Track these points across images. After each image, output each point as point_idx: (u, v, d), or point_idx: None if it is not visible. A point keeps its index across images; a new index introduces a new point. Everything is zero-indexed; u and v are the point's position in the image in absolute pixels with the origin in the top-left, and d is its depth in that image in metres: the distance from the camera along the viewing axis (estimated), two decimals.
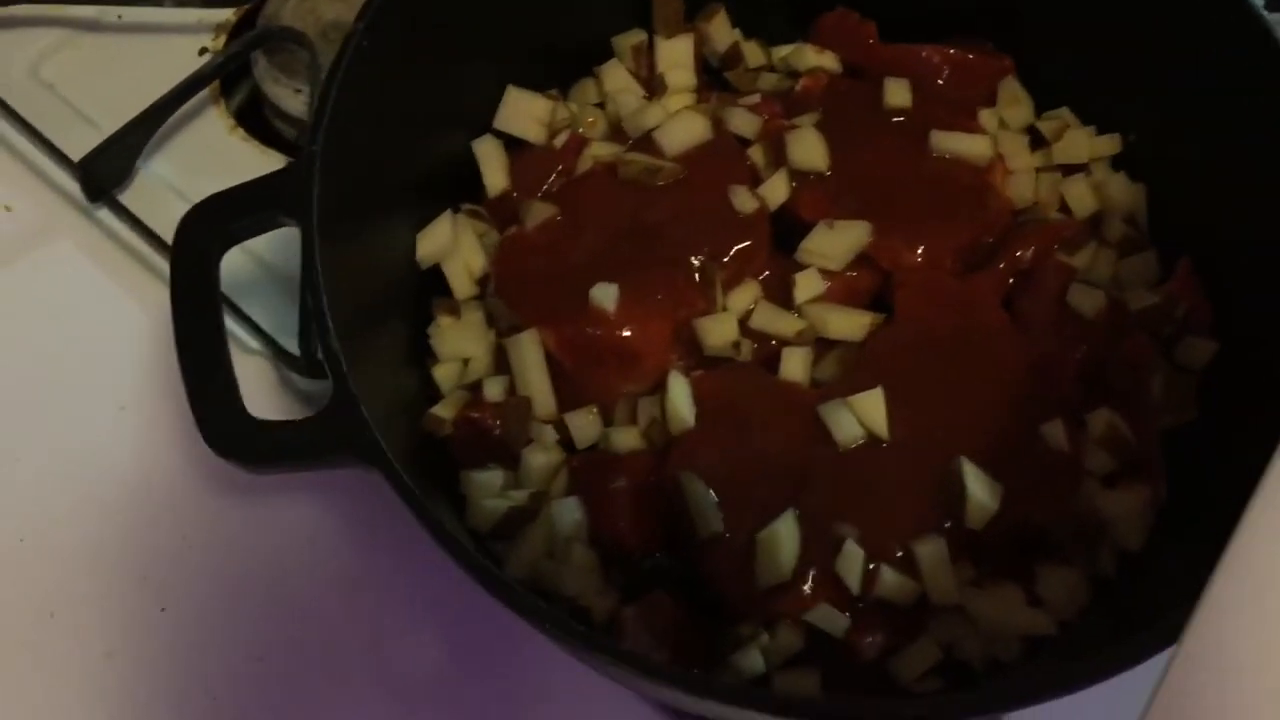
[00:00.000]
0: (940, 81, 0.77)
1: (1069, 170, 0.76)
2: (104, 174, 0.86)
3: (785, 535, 0.62)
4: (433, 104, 0.73)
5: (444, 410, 0.69)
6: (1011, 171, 0.75)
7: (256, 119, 0.95)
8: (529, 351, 0.69)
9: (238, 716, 0.72)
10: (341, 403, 0.54)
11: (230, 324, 0.81)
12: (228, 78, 0.95)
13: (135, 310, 0.83)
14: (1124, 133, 0.75)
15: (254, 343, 0.82)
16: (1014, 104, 0.77)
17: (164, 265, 0.84)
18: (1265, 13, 0.67)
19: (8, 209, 0.88)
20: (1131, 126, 0.75)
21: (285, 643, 0.74)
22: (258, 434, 0.54)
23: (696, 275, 0.69)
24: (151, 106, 0.88)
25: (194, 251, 0.57)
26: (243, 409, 0.55)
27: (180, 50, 0.96)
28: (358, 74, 0.62)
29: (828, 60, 0.79)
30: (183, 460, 0.77)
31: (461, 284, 0.73)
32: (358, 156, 0.64)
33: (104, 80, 0.94)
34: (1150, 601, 0.60)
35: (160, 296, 0.78)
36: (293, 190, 0.57)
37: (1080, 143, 0.75)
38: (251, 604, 0.75)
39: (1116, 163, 0.76)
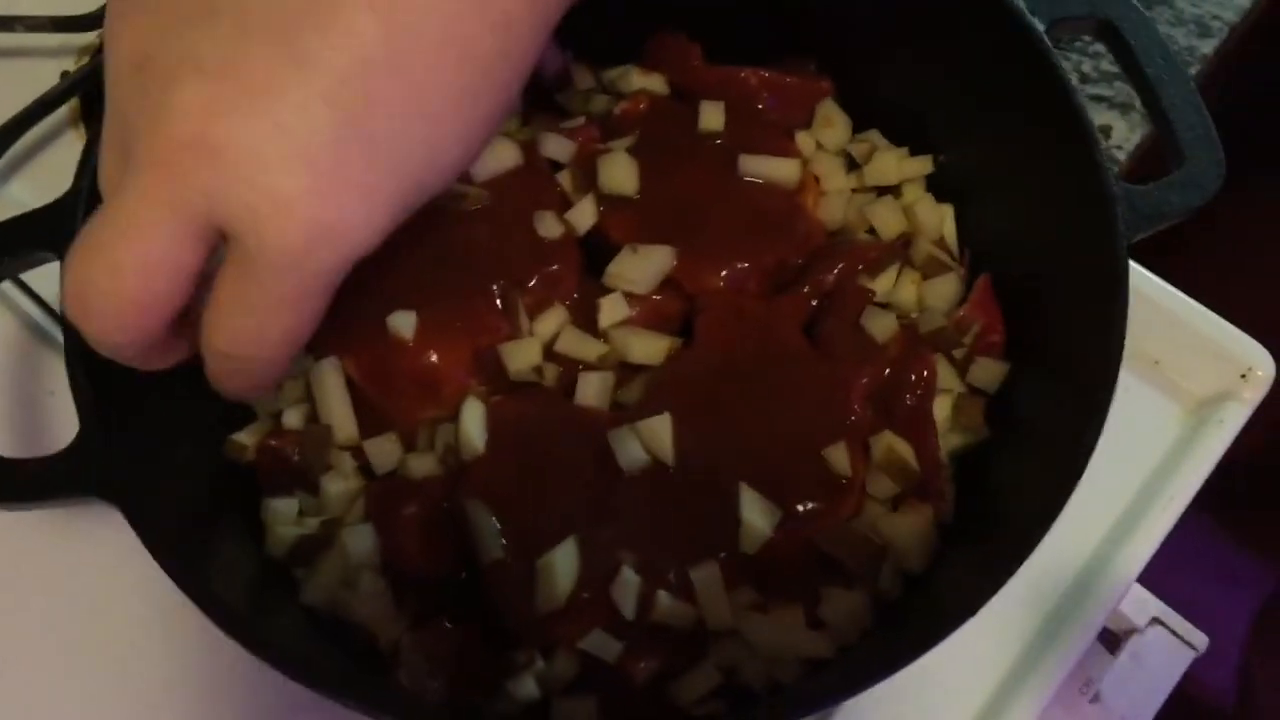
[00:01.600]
0: (760, 105, 0.78)
1: (883, 192, 0.76)
2: None
3: (562, 562, 0.62)
4: None
5: (246, 437, 0.70)
6: (825, 192, 0.76)
7: None
8: (329, 379, 0.70)
9: None
10: (85, 439, 0.54)
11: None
12: (90, 100, 0.95)
13: None
14: (937, 154, 0.76)
15: None
16: (829, 126, 0.77)
17: (12, 292, 0.86)
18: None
19: None
20: (942, 148, 0.75)
21: (108, 678, 0.74)
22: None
23: (499, 300, 0.70)
24: (2, 127, 0.89)
25: None
26: None
27: (42, 75, 0.96)
28: None
29: (654, 82, 0.80)
30: None
31: None
32: None
33: None
34: (928, 619, 0.61)
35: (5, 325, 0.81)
36: (55, 225, 0.58)
37: (889, 164, 0.76)
38: (67, 637, 0.75)
39: (928, 184, 0.76)
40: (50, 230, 0.58)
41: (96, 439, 0.54)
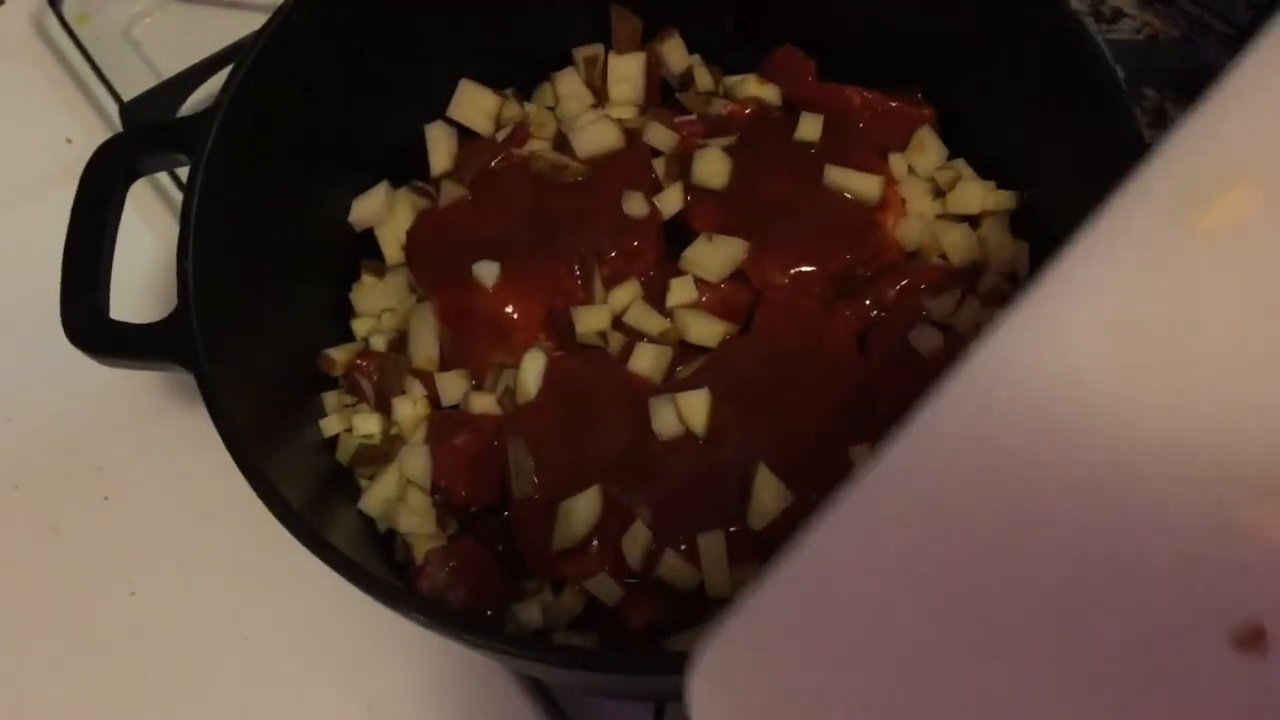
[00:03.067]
0: (861, 123, 0.81)
1: (965, 220, 0.79)
2: (148, 116, 0.98)
3: (584, 506, 0.67)
4: (391, 85, 0.82)
5: (338, 354, 0.78)
6: (908, 214, 0.78)
7: None
8: (426, 316, 0.77)
9: (151, 613, 0.82)
10: (178, 315, 0.62)
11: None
12: None
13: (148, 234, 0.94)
14: (1021, 189, 0.78)
15: None
16: (923, 152, 0.80)
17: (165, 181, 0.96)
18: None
19: (69, 140, 1.02)
20: (1028, 185, 0.77)
21: (225, 531, 0.83)
22: (107, 331, 0.64)
23: (577, 267, 0.76)
24: (197, 64, 1.00)
25: (98, 180, 0.67)
26: (103, 310, 0.64)
27: (251, 21, 1.08)
28: (291, 38, 0.72)
29: (769, 92, 0.84)
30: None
31: (392, 249, 0.82)
32: (287, 117, 0.74)
33: (181, 42, 1.07)
34: None
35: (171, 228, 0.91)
36: (193, 132, 0.67)
37: (972, 194, 0.78)
38: (189, 501, 0.85)
39: (1012, 222, 0.78)
40: (189, 135, 0.67)
41: (188, 314, 0.62)
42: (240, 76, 0.69)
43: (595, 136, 0.79)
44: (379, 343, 0.78)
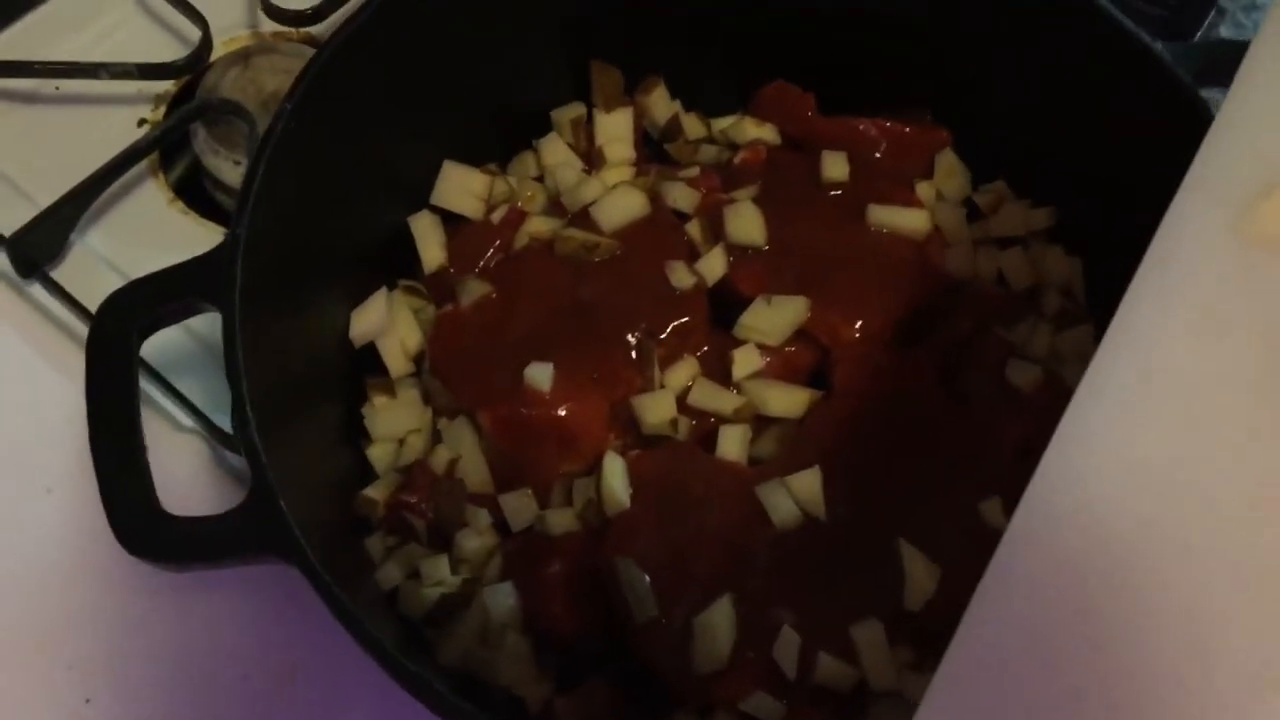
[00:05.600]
0: (878, 154, 0.77)
1: (1006, 243, 0.76)
2: (36, 249, 0.85)
3: (721, 620, 0.61)
4: (368, 180, 0.72)
5: (376, 492, 0.68)
6: (949, 244, 0.75)
7: (197, 191, 0.93)
8: (465, 433, 0.68)
9: None
10: (259, 498, 0.52)
11: (163, 401, 0.80)
12: (168, 149, 0.94)
13: (66, 389, 0.81)
14: (1059, 205, 0.76)
15: (187, 420, 0.80)
16: (951, 176, 0.77)
17: None
18: (1194, 85, 0.67)
19: None
20: (1067, 199, 0.75)
21: None
22: (170, 530, 0.53)
23: (633, 353, 0.69)
24: (85, 181, 0.87)
25: (112, 340, 0.56)
26: (155, 503, 0.53)
27: (119, 122, 0.94)
28: (285, 155, 0.62)
29: (767, 132, 0.80)
30: (112, 545, 0.74)
31: (397, 362, 0.72)
32: (287, 237, 0.63)
33: (41, 153, 0.92)
34: None
35: None
36: (214, 276, 0.56)
37: (1016, 215, 0.75)
38: (182, 696, 0.73)
39: (1053, 235, 0.76)
40: (210, 279, 0.56)
41: (271, 497, 0.52)
42: (252, 202, 0.58)
43: (621, 206, 0.72)
44: (441, 457, 0.68)
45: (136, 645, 0.74)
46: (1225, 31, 1.02)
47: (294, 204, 0.64)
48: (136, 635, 0.74)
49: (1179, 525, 0.43)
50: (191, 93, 0.95)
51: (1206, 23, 1.01)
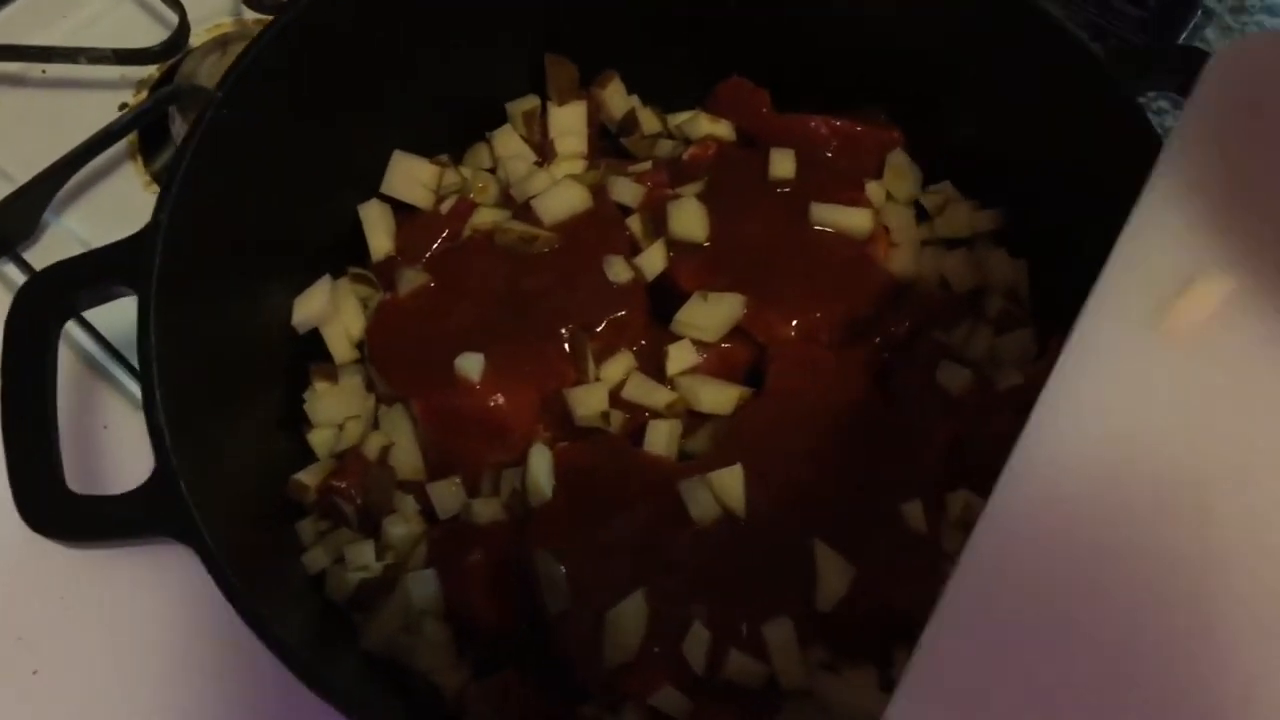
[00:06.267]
0: (829, 153, 0.77)
1: (953, 244, 0.75)
2: (8, 228, 0.87)
3: (632, 615, 0.61)
4: (315, 167, 0.73)
5: (309, 477, 0.69)
6: (895, 244, 0.75)
7: None
8: (400, 421, 0.69)
9: None
10: (161, 480, 0.53)
11: (123, 379, 0.82)
12: (152, 139, 0.95)
13: None
14: (1007, 207, 0.75)
15: None
16: (901, 177, 0.77)
17: (71, 328, 0.85)
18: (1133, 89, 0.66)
19: None
20: (1015, 201, 0.75)
21: (166, 708, 0.73)
22: (72, 508, 0.54)
23: (567, 345, 0.69)
24: (59, 160, 0.88)
25: (30, 322, 0.57)
26: (61, 482, 0.54)
27: (101, 106, 0.96)
28: (217, 143, 0.63)
29: (722, 128, 0.79)
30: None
31: (341, 348, 0.73)
32: (220, 224, 0.64)
33: (23, 135, 0.94)
34: None
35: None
36: (133, 260, 0.57)
37: (962, 216, 0.75)
38: (130, 666, 0.75)
39: (999, 237, 0.75)
40: (128, 264, 0.57)
41: (170, 478, 0.53)
42: (176, 190, 0.59)
43: (562, 200, 0.73)
44: (374, 444, 0.69)
45: (85, 616, 0.76)
46: (1212, 34, 1.00)
47: (228, 191, 0.64)
48: (85, 607, 0.76)
49: None
50: (173, 80, 0.96)
51: (1192, 24, 0.99)
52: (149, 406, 0.54)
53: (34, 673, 0.74)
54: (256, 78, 0.65)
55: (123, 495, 0.54)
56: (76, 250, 0.86)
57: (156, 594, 0.76)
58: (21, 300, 0.57)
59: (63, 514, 0.54)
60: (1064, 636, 0.44)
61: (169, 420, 0.54)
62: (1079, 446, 0.47)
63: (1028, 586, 0.46)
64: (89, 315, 0.82)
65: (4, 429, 0.54)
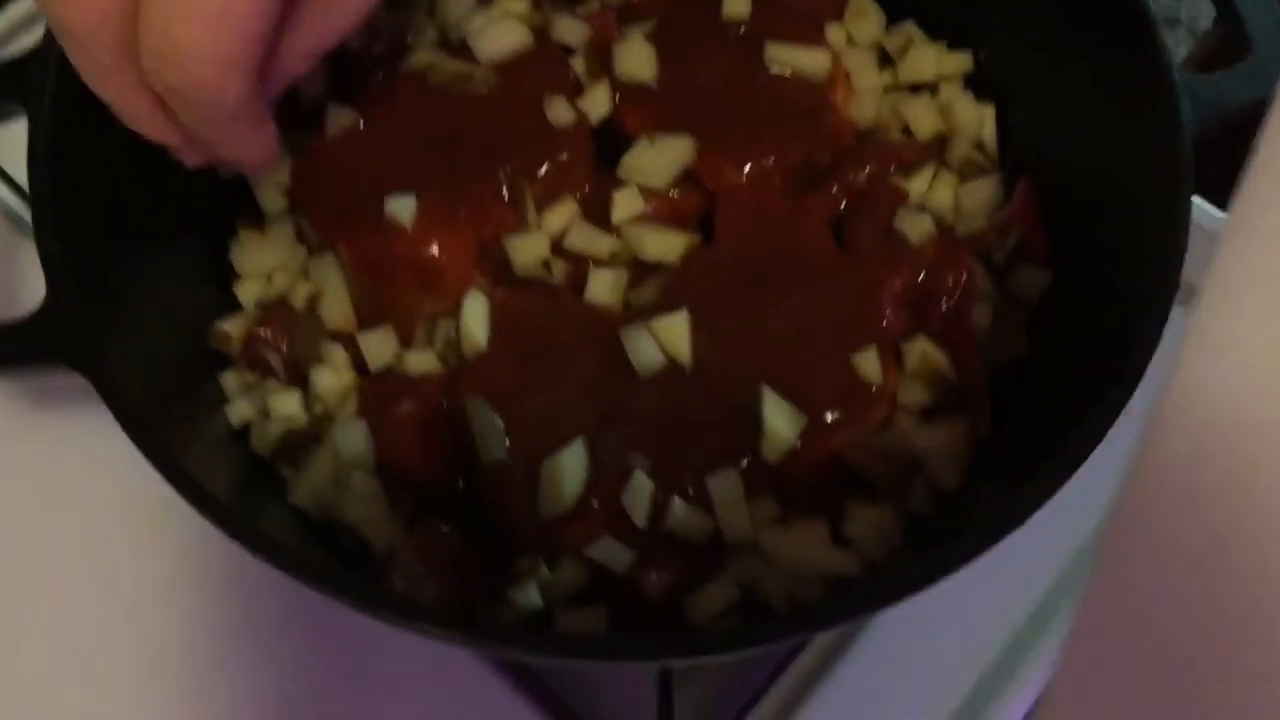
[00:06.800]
0: None
1: (918, 90, 0.72)
2: None
3: (570, 464, 0.58)
4: None
5: (232, 326, 0.65)
6: (856, 90, 0.71)
7: None
8: (329, 269, 0.65)
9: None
10: (53, 306, 0.49)
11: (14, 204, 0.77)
12: None
13: None
14: (976, 49, 0.71)
15: None
16: (862, 17, 0.72)
17: None
18: None
19: None
20: (983, 43, 0.71)
21: (66, 568, 0.70)
22: None
23: (505, 189, 0.65)
24: None
25: None
26: None
27: None
28: None
29: None
30: None
31: (269, 196, 0.69)
32: None
33: None
34: (961, 538, 0.57)
35: None
36: (26, 77, 0.53)
37: (927, 60, 0.71)
38: (30, 525, 0.71)
39: (966, 82, 0.71)
40: (20, 82, 0.53)
41: (65, 303, 0.49)
42: None
43: (499, 37, 0.68)
44: (301, 294, 0.65)
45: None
46: None
47: None
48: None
49: None
50: None
51: None
52: (41, 232, 0.50)
53: None
54: None
55: (13, 320, 0.50)
56: None
57: (59, 446, 0.72)
58: None
59: None
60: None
61: (63, 248, 0.50)
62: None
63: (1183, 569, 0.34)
64: (7, 166, 0.77)
65: None
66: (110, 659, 0.67)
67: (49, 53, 0.53)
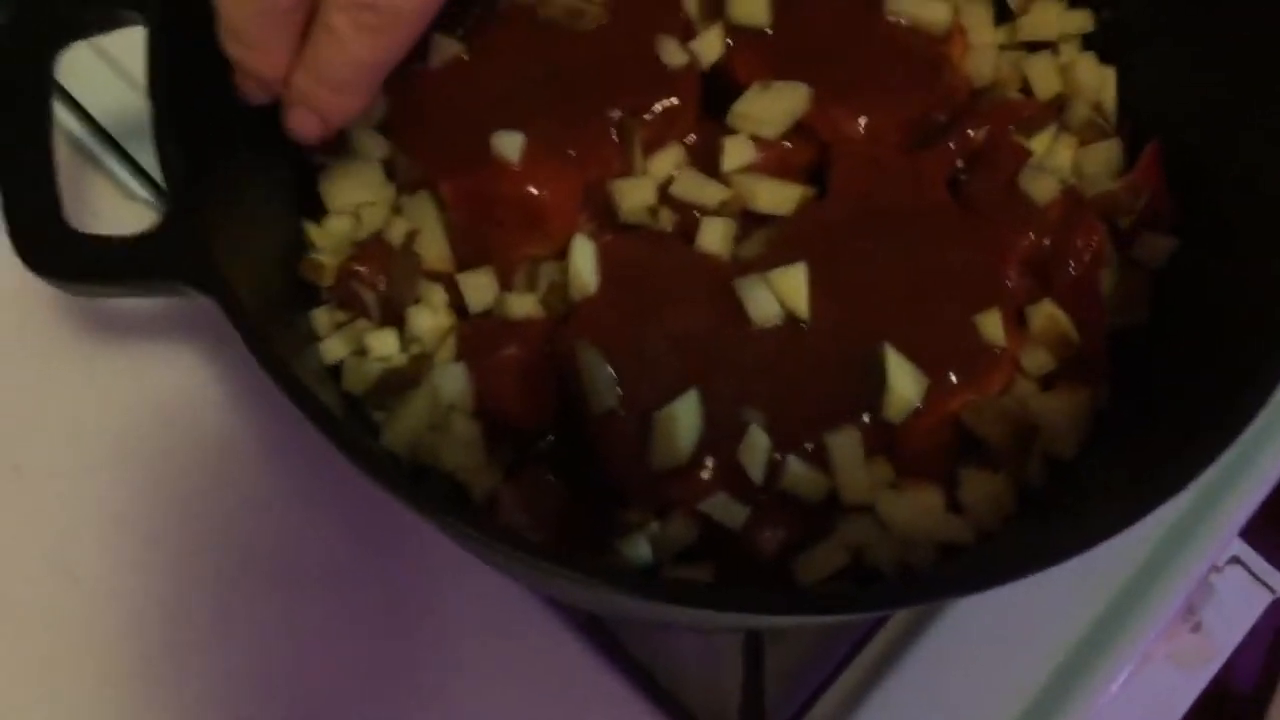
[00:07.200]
0: None
1: (1035, 48, 0.69)
2: None
3: (684, 416, 0.56)
4: None
5: (326, 257, 0.62)
6: (972, 45, 0.68)
7: None
8: (426, 207, 0.63)
9: (102, 594, 0.66)
10: (177, 220, 0.47)
11: (116, 168, 0.74)
12: None
13: None
14: (1097, 9, 0.69)
15: (141, 190, 0.74)
16: None
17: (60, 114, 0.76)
18: None
19: None
20: (1108, 2, 0.68)
21: (158, 507, 0.68)
22: (77, 247, 0.47)
23: (614, 131, 0.63)
24: None
25: (22, 48, 0.49)
26: (63, 221, 0.48)
27: None
28: None
29: None
30: (37, 306, 0.69)
31: (359, 126, 0.66)
32: None
33: None
34: (1080, 514, 0.55)
35: None
36: None
37: (1049, 18, 0.68)
38: (120, 469, 0.69)
39: (1087, 42, 0.69)
40: None
41: (188, 220, 0.46)
42: None
43: None
44: (398, 230, 0.63)
45: (71, 412, 0.70)
46: None
47: None
48: (69, 399, 0.70)
49: None
50: None
51: None
52: (159, 132, 0.47)
53: (15, 468, 0.69)
54: None
55: (136, 236, 0.47)
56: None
57: (150, 382, 0.69)
58: (19, 22, 0.50)
59: (64, 252, 0.47)
60: None
61: (186, 159, 0.47)
62: None
63: None
64: (82, 98, 0.74)
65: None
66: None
67: None
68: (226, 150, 0.55)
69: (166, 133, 0.47)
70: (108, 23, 0.53)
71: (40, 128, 0.49)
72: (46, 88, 0.50)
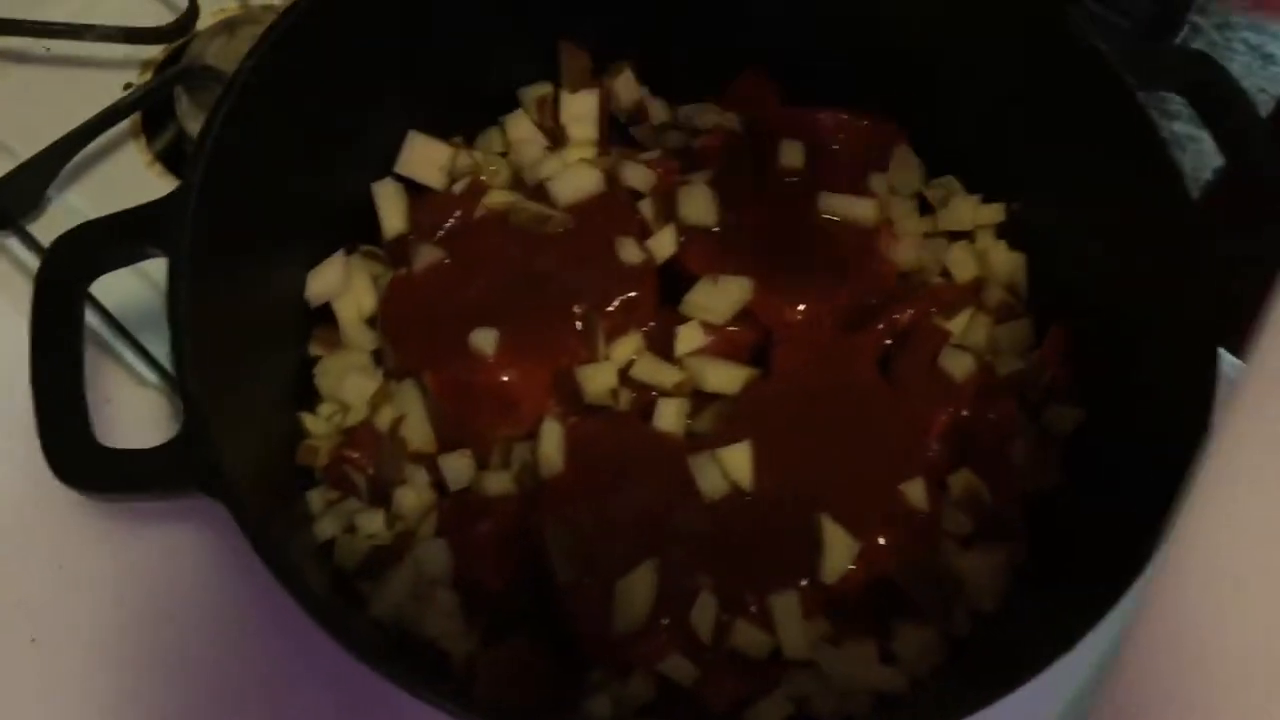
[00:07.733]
0: (835, 146, 0.79)
1: (956, 237, 0.77)
2: (13, 202, 0.87)
3: (641, 584, 0.62)
4: (333, 144, 0.74)
5: (320, 442, 0.69)
6: (898, 236, 0.77)
7: (181, 159, 0.95)
8: (411, 395, 0.70)
9: None
10: (192, 433, 0.54)
11: (127, 355, 0.82)
12: (156, 117, 0.95)
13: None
14: (1009, 201, 0.77)
15: (150, 375, 0.82)
16: (905, 169, 0.78)
17: None
18: (1140, 92, 0.68)
19: None
20: (1017, 196, 0.77)
21: (165, 680, 0.74)
22: (101, 460, 0.54)
23: (579, 324, 0.70)
24: (65, 136, 0.88)
25: (58, 279, 0.57)
26: (90, 437, 0.55)
27: (106, 85, 0.96)
28: (244, 111, 0.63)
29: (728, 120, 0.81)
30: (63, 492, 0.76)
31: (352, 322, 0.74)
32: (243, 191, 0.65)
33: (27, 111, 0.94)
34: (1003, 659, 0.61)
35: None
36: (165, 222, 0.58)
37: (964, 210, 0.77)
38: (130, 638, 0.74)
39: (1001, 231, 0.77)
40: (158, 225, 0.58)
41: (201, 433, 0.53)
42: (206, 155, 0.60)
43: (576, 182, 0.74)
44: (385, 417, 0.70)
45: (83, 586, 0.76)
46: (1199, 46, 1.03)
47: (252, 160, 0.65)
48: (83, 575, 0.75)
49: None
50: (179, 61, 0.97)
51: (1180, 37, 1.02)
52: (179, 365, 0.55)
53: (32, 641, 0.74)
54: (283, 51, 0.66)
55: (154, 449, 0.54)
56: None
57: (159, 562, 0.76)
58: (54, 254, 0.58)
59: (91, 466, 0.54)
60: None
61: (199, 377, 0.55)
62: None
63: None
64: (96, 291, 0.82)
65: (34, 381, 0.54)
66: None
67: (185, 198, 0.58)
68: (235, 362, 0.62)
69: (185, 359, 0.54)
70: (136, 256, 0.61)
71: (73, 355, 0.56)
72: (79, 317, 0.57)
